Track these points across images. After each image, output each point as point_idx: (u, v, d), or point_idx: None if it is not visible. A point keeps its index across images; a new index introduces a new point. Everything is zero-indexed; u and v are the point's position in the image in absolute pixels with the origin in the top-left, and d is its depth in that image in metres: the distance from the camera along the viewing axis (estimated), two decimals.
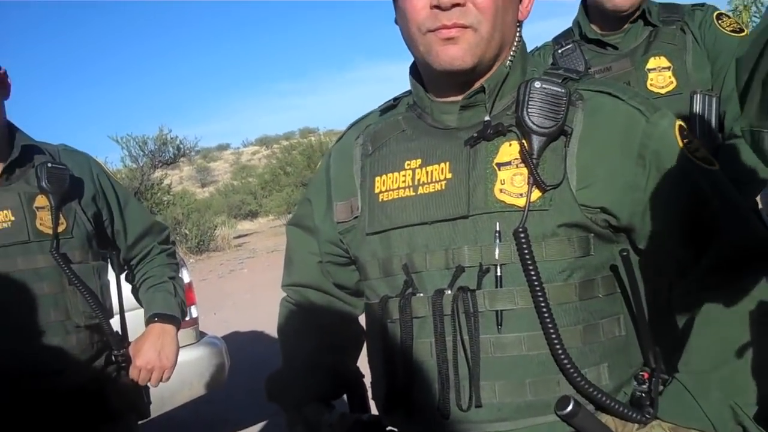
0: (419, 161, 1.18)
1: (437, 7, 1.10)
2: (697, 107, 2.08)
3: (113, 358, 1.96)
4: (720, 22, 2.15)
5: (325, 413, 1.31)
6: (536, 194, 1.10)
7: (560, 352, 1.07)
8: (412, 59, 1.24)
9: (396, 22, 1.22)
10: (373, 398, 1.29)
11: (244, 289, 10.36)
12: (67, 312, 1.84)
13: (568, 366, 1.07)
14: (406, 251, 1.17)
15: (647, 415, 1.08)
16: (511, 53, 1.20)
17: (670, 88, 2.12)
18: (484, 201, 1.12)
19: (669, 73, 2.13)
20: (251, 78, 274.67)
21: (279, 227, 18.63)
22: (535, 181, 1.09)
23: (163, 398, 3.33)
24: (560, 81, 1.14)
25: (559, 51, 2.27)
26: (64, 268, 1.81)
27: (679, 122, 1.15)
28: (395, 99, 1.32)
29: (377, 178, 1.22)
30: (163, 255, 2.19)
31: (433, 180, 1.16)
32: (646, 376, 1.13)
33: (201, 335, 3.90)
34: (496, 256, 1.10)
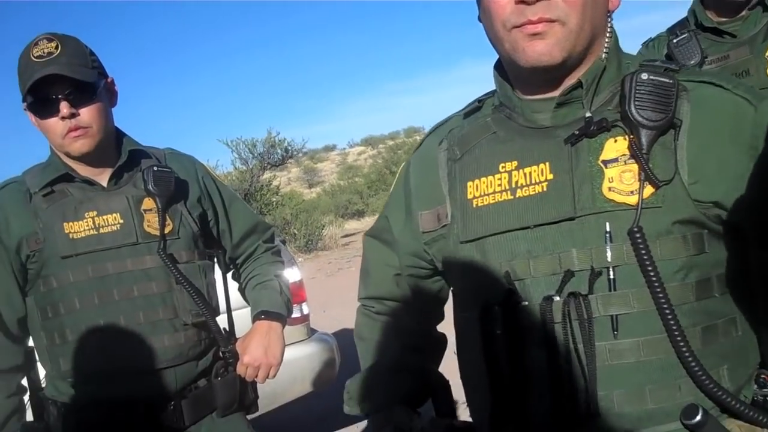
0: (515, 163, 1.12)
1: (522, 2, 1.04)
2: None
3: (221, 354, 2.00)
4: None
5: (414, 418, 1.26)
6: (648, 191, 1.04)
7: (687, 354, 1.00)
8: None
9: (479, 19, 1.16)
10: (471, 415, 1.24)
11: (352, 286, 10.42)
12: (175, 310, 1.88)
13: (696, 368, 0.99)
14: (507, 258, 1.11)
15: None
16: (605, 46, 1.13)
17: None
18: (591, 201, 1.06)
19: None
20: (357, 79, 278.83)
21: None
22: (647, 177, 1.03)
23: (275, 393, 3.40)
24: (663, 71, 1.07)
25: (674, 41, 2.16)
26: (171, 268, 1.86)
27: None
28: (479, 100, 1.27)
29: (469, 183, 1.16)
30: (268, 253, 2.22)
31: (533, 182, 1.10)
32: (767, 378, 1.05)
33: (312, 332, 3.95)
34: (609, 258, 1.04)
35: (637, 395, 1.03)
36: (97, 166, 1.89)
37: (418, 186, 1.28)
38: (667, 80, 1.05)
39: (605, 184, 1.06)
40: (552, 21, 1.04)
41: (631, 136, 1.05)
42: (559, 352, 1.05)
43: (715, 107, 1.06)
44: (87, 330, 1.81)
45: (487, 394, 1.13)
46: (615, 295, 1.03)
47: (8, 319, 1.84)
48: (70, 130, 1.78)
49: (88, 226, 1.82)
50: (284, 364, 2.08)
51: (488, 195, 1.13)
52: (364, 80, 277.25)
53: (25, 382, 1.91)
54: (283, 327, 2.10)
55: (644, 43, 2.34)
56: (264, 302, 2.10)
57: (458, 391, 1.31)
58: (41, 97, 1.77)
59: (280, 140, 17.60)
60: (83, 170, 1.88)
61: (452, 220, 1.18)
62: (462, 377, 1.24)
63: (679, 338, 1.00)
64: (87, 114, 1.80)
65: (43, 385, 1.93)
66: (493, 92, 1.24)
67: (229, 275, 2.26)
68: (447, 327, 1.39)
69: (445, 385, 1.34)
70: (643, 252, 1.01)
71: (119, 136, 1.96)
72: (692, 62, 2.08)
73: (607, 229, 1.04)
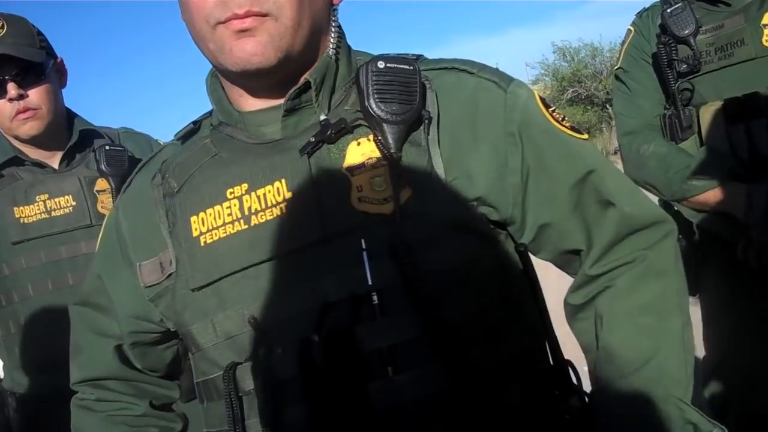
0: (245, 186, 0.93)
1: None
2: None
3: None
4: None
5: None
6: (405, 195, 0.89)
7: (468, 380, 0.86)
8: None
9: (183, 17, 0.96)
10: None
11: None
12: None
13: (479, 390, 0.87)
14: (249, 301, 0.92)
15: None
16: (332, 42, 0.98)
17: None
18: (341, 216, 0.89)
19: None
20: None
21: None
22: (400, 179, 0.89)
23: None
24: (401, 59, 0.94)
25: (668, 11, 2.09)
26: None
27: (536, 91, 0.99)
28: (194, 122, 1.08)
29: (193, 218, 0.95)
30: None
31: (269, 205, 0.91)
32: None
33: None
34: (369, 281, 0.87)
35: None
36: (47, 148, 1.85)
37: (132, 233, 1.06)
38: (407, 66, 0.92)
39: (354, 195, 0.89)
40: (263, 15, 0.88)
41: (378, 136, 0.90)
42: (323, 404, 0.87)
43: (460, 95, 0.95)
44: (41, 317, 1.76)
45: None
46: (384, 322, 0.87)
47: None
48: (18, 112, 1.74)
49: (39, 209, 1.78)
50: None
51: (217, 228, 0.93)
52: None
53: None
54: None
55: (638, 13, 2.28)
56: None
57: None
58: None
59: None
60: (33, 153, 1.84)
61: (178, 266, 0.97)
62: None
63: (459, 364, 0.86)
64: (36, 95, 1.76)
65: (1, 377, 1.88)
66: (210, 112, 1.06)
67: None
68: None
69: None
70: (409, 267, 0.86)
71: (70, 117, 1.91)
72: (686, 32, 2.02)
73: (363, 246, 0.88)
